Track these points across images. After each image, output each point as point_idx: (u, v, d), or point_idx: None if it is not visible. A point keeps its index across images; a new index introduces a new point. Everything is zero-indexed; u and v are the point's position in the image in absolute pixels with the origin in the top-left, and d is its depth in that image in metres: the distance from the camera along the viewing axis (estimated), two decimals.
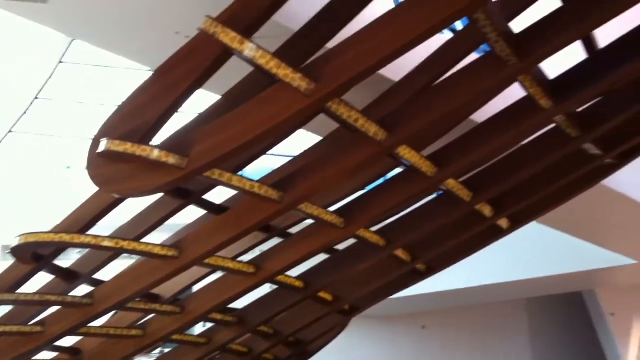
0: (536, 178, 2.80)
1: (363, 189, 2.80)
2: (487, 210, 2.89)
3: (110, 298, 2.65)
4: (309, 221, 2.65)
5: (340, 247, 3.07)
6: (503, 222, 3.13)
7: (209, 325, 3.47)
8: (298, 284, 3.11)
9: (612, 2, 1.85)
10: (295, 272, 3.00)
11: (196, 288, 3.07)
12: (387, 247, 2.92)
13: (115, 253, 2.87)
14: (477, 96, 2.02)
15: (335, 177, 2.27)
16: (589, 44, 2.41)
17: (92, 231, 2.72)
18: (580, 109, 2.44)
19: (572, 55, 2.29)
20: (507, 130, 2.33)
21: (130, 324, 3.08)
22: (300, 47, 2.37)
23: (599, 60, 2.19)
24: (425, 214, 2.87)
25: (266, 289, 3.18)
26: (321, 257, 3.12)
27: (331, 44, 2.08)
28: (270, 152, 2.88)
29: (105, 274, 2.87)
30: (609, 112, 2.40)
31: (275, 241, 2.98)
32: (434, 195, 2.88)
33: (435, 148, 2.50)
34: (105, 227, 2.78)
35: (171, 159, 1.91)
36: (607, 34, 2.24)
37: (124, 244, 2.53)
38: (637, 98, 2.35)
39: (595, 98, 2.47)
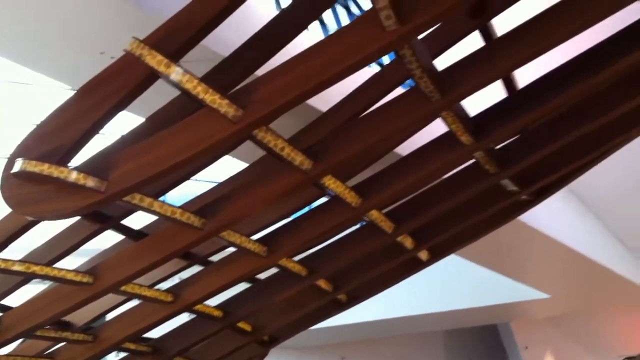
0: (456, 211, 2.86)
1: (287, 217, 2.79)
2: (408, 242, 2.93)
3: (19, 325, 2.53)
4: (232, 249, 2.62)
5: (262, 275, 3.04)
6: (423, 254, 3.18)
7: (122, 354, 3.35)
8: (217, 313, 3.05)
9: (531, 45, 1.92)
10: (214, 301, 2.95)
11: (111, 316, 2.97)
12: (309, 276, 2.91)
13: (26, 278, 2.75)
14: (401, 129, 2.05)
15: (259, 204, 2.26)
16: (509, 84, 2.52)
17: (2, 254, 2.60)
18: (498, 146, 2.52)
19: (493, 93, 2.38)
20: (429, 163, 2.38)
21: (38, 352, 2.95)
22: (229, 73, 2.37)
23: (518, 100, 2.27)
24: (348, 244, 2.89)
25: (184, 317, 3.11)
26: (242, 286, 3.08)
27: (260, 71, 2.08)
28: (195, 177, 2.84)
29: (15, 300, 2.74)
30: (525, 151, 2.48)
31: (196, 269, 2.93)
32: (357, 226, 2.90)
33: (360, 179, 2.53)
34: (18, 249, 2.66)
35: (90, 182, 1.85)
36: (526, 75, 2.34)
37: (36, 269, 2.42)
38: (552, 138, 2.44)
39: (513, 136, 2.56)
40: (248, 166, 2.99)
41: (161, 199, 2.26)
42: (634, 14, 2.14)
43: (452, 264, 8.17)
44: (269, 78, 1.78)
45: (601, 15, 1.83)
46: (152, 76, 1.83)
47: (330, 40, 1.75)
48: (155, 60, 1.73)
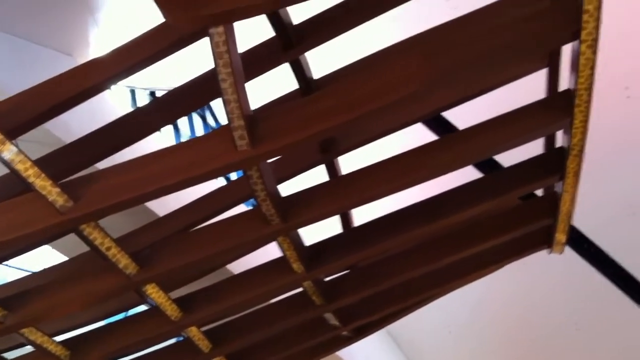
0: (277, 338, 2.83)
1: (101, 320, 2.62)
2: None
3: None
4: (30, 347, 2.39)
5: None
6: None
7: None
8: None
9: (369, 186, 2.03)
10: None
11: None
12: None
13: None
14: (236, 248, 2.04)
15: (74, 304, 2.10)
16: (346, 220, 2.61)
17: None
18: (327, 279, 2.56)
19: (330, 226, 2.45)
20: (258, 286, 2.36)
21: None
22: (67, 161, 2.26)
23: (352, 237, 2.35)
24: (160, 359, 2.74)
25: None
26: None
27: (101, 164, 2.02)
28: (6, 263, 2.61)
29: None
30: (351, 287, 2.54)
31: None
32: (174, 340, 2.78)
33: (187, 291, 2.45)
34: None
35: None
36: (362, 213, 2.44)
37: None
38: (377, 279, 2.52)
39: (343, 271, 2.62)
40: (68, 260, 2.81)
41: None
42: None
43: None
44: (108, 174, 1.72)
45: (427, 176, 1.98)
46: None
47: (179, 148, 1.74)
48: None
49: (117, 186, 1.72)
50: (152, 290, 2.20)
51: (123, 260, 1.98)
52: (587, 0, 1.52)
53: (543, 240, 2.51)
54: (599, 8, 1.53)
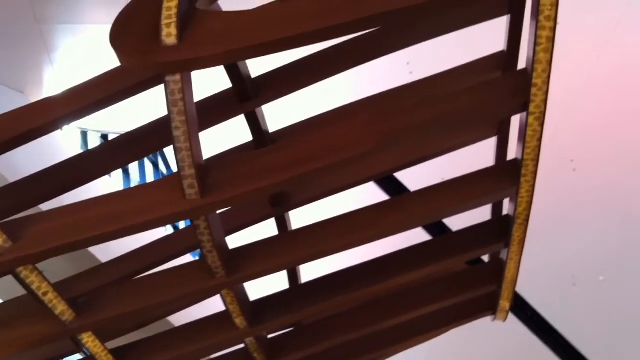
0: None
1: None
2: None
3: None
4: None
5: None
6: None
7: None
8: None
9: (318, 242, 2.02)
10: None
11: None
12: None
13: None
14: (178, 299, 2.00)
15: (2, 348, 2.01)
16: (293, 276, 2.58)
17: None
18: (271, 336, 2.52)
19: (277, 282, 2.42)
20: (199, 339, 2.31)
21: None
22: (10, 200, 2.19)
23: (297, 293, 2.33)
24: None
25: None
26: None
27: (46, 206, 1.97)
28: None
29: None
30: (294, 346, 2.50)
31: None
32: None
33: (124, 342, 2.38)
34: None
35: None
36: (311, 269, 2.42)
37: None
38: (319, 339, 2.49)
39: (287, 328, 2.58)
40: (2, 302, 2.70)
41: None
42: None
43: None
44: (51, 216, 1.68)
45: (378, 235, 2.00)
46: None
47: (126, 193, 1.71)
48: None
49: (60, 229, 1.68)
50: (88, 339, 2.13)
51: (60, 307, 1.92)
52: (536, 74, 1.57)
53: (487, 306, 2.53)
54: (547, 82, 1.59)
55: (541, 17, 1.47)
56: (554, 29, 1.49)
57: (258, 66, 2.07)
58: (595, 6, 4.08)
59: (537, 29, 1.50)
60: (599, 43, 4.27)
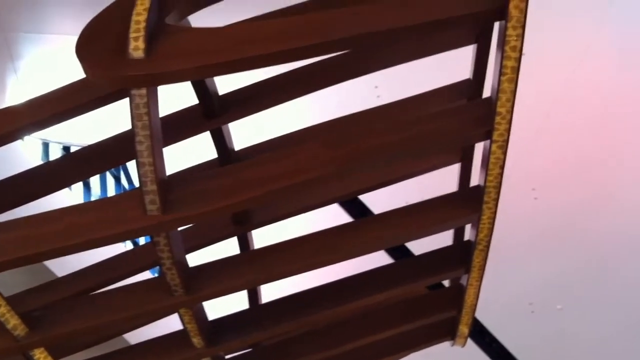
0: None
1: None
2: None
3: None
4: None
5: None
6: None
7: None
8: None
9: (279, 263, 2.01)
10: None
11: None
12: None
13: None
14: (135, 317, 1.96)
15: None
16: (254, 296, 2.56)
17: None
18: (228, 357, 2.48)
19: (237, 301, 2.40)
20: (155, 358, 2.27)
21: None
22: None
23: (258, 314, 2.31)
24: None
25: None
26: None
27: (1, 217, 1.92)
28: None
29: None
30: None
31: None
32: None
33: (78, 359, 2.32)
34: None
35: None
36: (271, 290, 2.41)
37: None
38: (282, 358, 2.47)
39: (245, 349, 2.55)
40: None
41: None
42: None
43: None
44: (5, 228, 1.63)
45: (340, 257, 2.00)
46: None
47: (86, 207, 1.68)
48: None
49: (15, 241, 1.63)
50: (41, 355, 2.07)
51: (12, 321, 1.87)
52: (500, 104, 1.59)
53: (446, 331, 2.53)
54: (510, 112, 1.61)
55: (507, 47, 1.50)
56: (519, 60, 1.52)
57: (226, 84, 2.07)
58: (563, 34, 4.17)
59: (502, 58, 1.52)
60: (565, 72, 4.36)
